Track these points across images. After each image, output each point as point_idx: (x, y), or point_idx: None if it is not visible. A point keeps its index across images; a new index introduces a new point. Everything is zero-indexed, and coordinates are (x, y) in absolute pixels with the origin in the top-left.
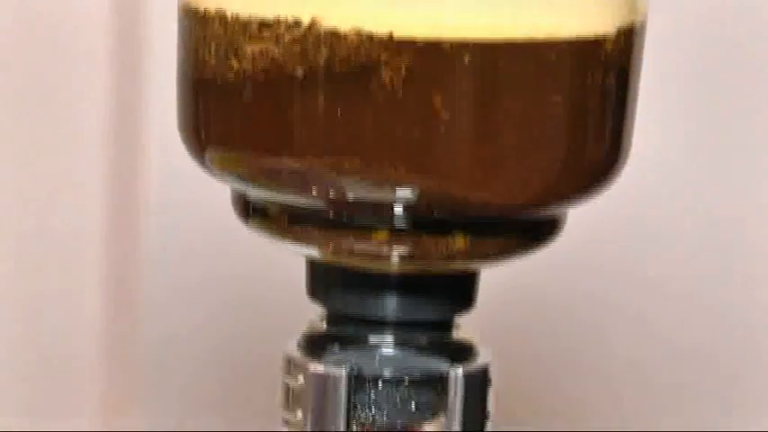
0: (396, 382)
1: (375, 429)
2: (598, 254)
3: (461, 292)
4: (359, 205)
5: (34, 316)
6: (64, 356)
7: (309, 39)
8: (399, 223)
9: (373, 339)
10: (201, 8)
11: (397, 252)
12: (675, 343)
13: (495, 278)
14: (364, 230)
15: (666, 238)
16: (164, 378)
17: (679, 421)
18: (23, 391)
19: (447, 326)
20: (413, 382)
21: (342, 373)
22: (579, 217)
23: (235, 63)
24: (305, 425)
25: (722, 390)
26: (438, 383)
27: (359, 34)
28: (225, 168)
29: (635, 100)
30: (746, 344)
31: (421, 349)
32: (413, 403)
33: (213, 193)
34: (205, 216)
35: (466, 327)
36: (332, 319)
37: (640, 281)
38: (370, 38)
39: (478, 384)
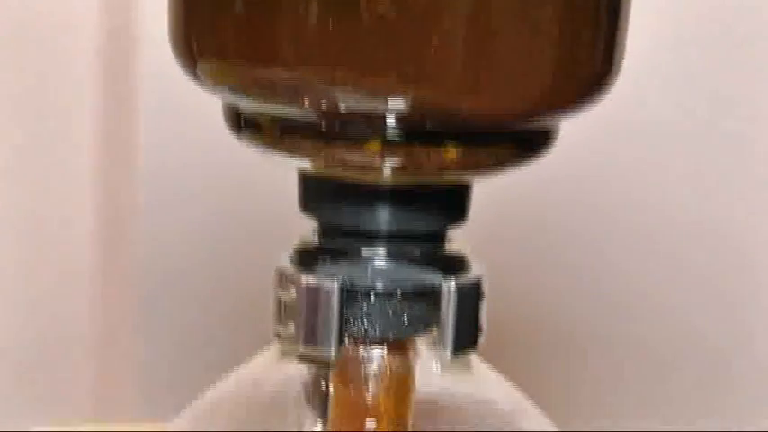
0: (388, 294)
1: (367, 342)
2: (597, 169)
3: (454, 204)
4: (351, 116)
5: (28, 226)
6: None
7: None
8: (392, 134)
9: (365, 252)
10: None
11: (389, 163)
12: (675, 259)
13: (489, 191)
14: (356, 142)
15: (667, 154)
16: (156, 286)
17: (677, 335)
18: (16, 321)
19: (440, 238)
20: (405, 295)
21: (334, 286)
22: (575, 130)
23: None
24: (297, 338)
25: (725, 310)
26: (431, 296)
27: None
28: (217, 80)
29: (628, 11)
30: (749, 261)
31: (413, 262)
32: (405, 316)
33: (204, 112)
34: (196, 135)
35: (459, 241)
36: (324, 232)
37: (641, 196)
38: None
39: (472, 297)
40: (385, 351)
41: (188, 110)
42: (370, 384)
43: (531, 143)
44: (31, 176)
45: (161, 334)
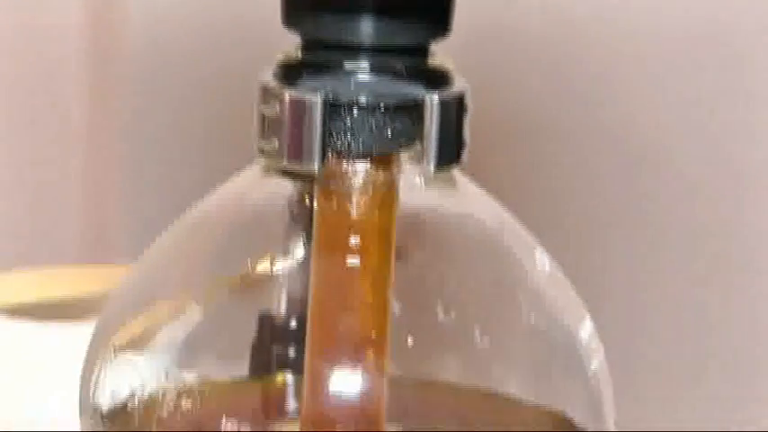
0: (371, 108)
1: (351, 156)
2: None
3: (437, 15)
4: None
5: None
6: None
7: None
8: None
9: (348, 66)
10: None
11: None
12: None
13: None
14: None
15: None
16: (140, 104)
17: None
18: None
19: (423, 52)
20: (388, 109)
21: (317, 99)
22: None
23: None
24: (281, 153)
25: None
26: (414, 110)
27: None
28: None
29: None
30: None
31: (396, 75)
32: (388, 130)
33: None
34: None
35: (442, 55)
36: (307, 46)
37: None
38: None
39: (455, 111)
40: (368, 165)
41: None
42: (354, 199)
43: None
44: None
45: (145, 151)
